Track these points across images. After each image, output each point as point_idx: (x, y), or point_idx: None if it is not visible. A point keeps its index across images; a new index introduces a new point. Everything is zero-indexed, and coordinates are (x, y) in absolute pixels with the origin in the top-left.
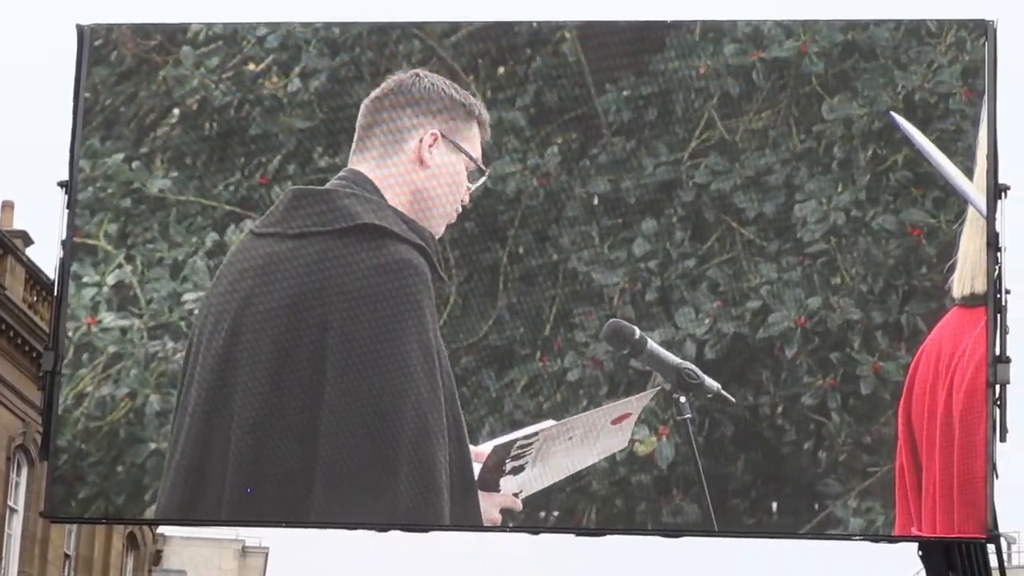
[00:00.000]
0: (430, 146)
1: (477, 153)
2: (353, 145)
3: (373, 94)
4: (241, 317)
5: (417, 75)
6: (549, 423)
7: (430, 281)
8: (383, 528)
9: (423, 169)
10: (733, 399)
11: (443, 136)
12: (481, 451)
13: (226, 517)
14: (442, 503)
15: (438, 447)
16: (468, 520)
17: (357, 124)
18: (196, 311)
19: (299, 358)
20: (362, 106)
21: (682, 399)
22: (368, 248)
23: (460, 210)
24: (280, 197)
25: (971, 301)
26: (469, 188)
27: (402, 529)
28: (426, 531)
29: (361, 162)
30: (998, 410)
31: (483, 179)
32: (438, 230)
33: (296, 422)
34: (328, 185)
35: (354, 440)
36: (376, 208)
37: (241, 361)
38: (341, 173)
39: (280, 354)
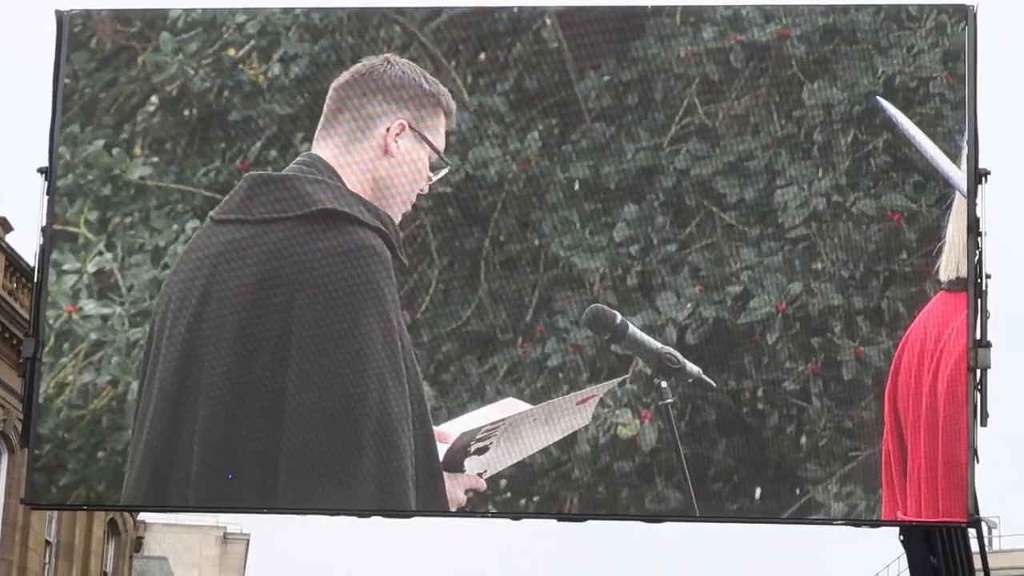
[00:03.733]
0: (397, 135)
1: (441, 145)
2: (319, 128)
3: (343, 78)
4: (204, 304)
5: (388, 61)
6: (513, 404)
7: (391, 265)
8: (350, 514)
9: (387, 157)
10: (714, 384)
11: (410, 126)
12: (444, 431)
13: (193, 503)
14: (407, 488)
15: (402, 431)
16: (434, 504)
17: (325, 107)
18: (156, 300)
19: (263, 344)
20: (331, 90)
21: (663, 384)
22: (328, 233)
23: (414, 200)
24: (238, 183)
25: (957, 285)
26: (430, 179)
27: (365, 515)
28: (393, 516)
29: (324, 147)
30: (979, 395)
31: (444, 171)
32: (395, 218)
33: (261, 408)
34: (287, 170)
35: (318, 426)
36: (336, 193)
37: (205, 347)
38: (300, 158)
39: (244, 340)
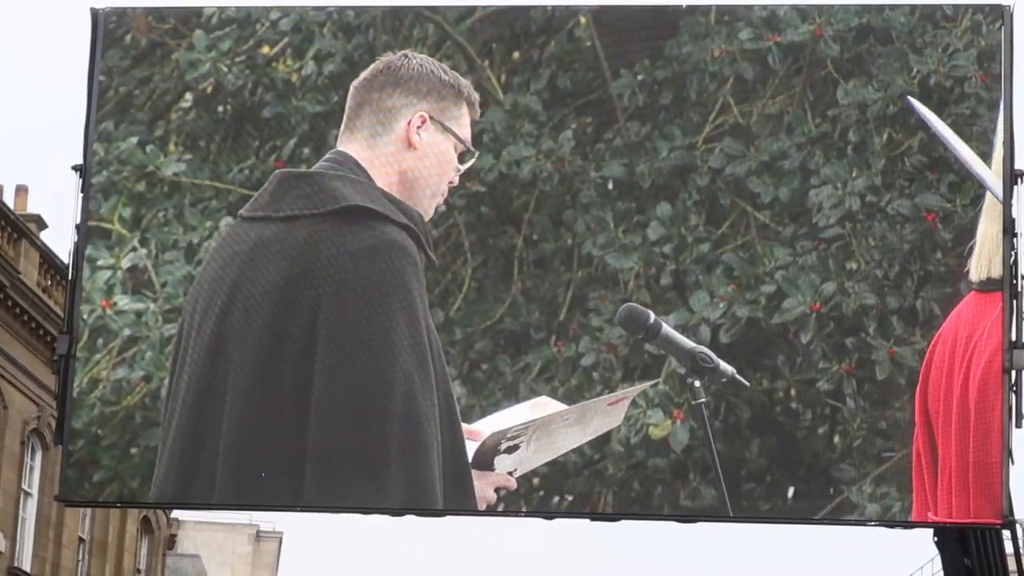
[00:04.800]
0: (418, 127)
1: (466, 134)
2: (342, 126)
3: (362, 75)
4: (231, 301)
5: (406, 56)
6: (546, 402)
7: (419, 261)
8: (383, 512)
9: (411, 151)
10: (748, 384)
11: (431, 117)
12: (475, 429)
13: (218, 500)
14: (434, 486)
15: (429, 429)
16: (463, 502)
17: (346, 105)
18: (186, 297)
19: (290, 341)
20: (351, 88)
21: (697, 383)
22: (356, 230)
23: (446, 192)
24: (267, 181)
25: (988, 286)
26: (459, 169)
27: (398, 514)
28: (426, 515)
29: (349, 143)
30: (1014, 396)
31: (472, 160)
32: (427, 211)
33: (287, 406)
34: (315, 167)
35: (345, 423)
36: (364, 189)
37: (232, 345)
38: (328, 155)
39: (271, 337)
